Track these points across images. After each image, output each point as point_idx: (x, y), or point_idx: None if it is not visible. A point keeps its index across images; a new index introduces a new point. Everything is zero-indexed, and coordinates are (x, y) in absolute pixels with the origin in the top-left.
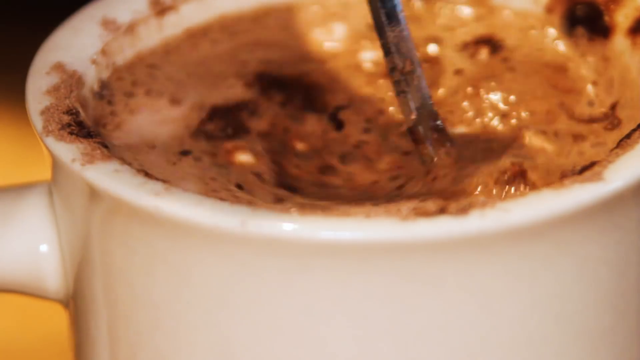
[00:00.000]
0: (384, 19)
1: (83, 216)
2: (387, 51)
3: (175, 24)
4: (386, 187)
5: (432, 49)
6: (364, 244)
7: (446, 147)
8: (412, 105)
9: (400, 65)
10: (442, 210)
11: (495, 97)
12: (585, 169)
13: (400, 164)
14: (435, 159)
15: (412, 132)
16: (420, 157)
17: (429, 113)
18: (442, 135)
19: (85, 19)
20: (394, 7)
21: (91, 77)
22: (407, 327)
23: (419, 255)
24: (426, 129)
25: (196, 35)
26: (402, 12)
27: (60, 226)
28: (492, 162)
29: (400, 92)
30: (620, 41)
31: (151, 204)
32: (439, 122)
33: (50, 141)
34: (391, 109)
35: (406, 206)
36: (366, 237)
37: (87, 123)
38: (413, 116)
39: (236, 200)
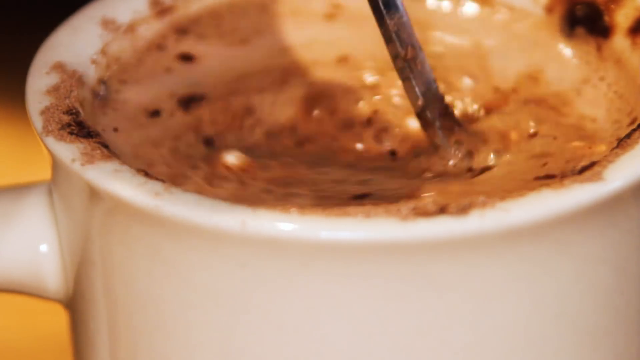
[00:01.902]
0: (382, 6)
1: (83, 216)
2: (388, 39)
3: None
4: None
5: None
6: (364, 244)
7: (455, 131)
8: (418, 90)
9: (403, 52)
10: (442, 210)
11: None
12: (585, 169)
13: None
14: (447, 145)
15: (420, 118)
16: (431, 142)
17: (434, 97)
18: (450, 119)
19: (85, 19)
20: None
21: (91, 77)
22: (406, 327)
23: (419, 255)
24: (434, 114)
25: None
26: None
27: (60, 226)
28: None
29: (405, 79)
30: (620, 41)
31: (151, 204)
32: (445, 105)
33: (50, 141)
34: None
35: (406, 206)
36: (366, 237)
37: (87, 123)
38: (420, 102)
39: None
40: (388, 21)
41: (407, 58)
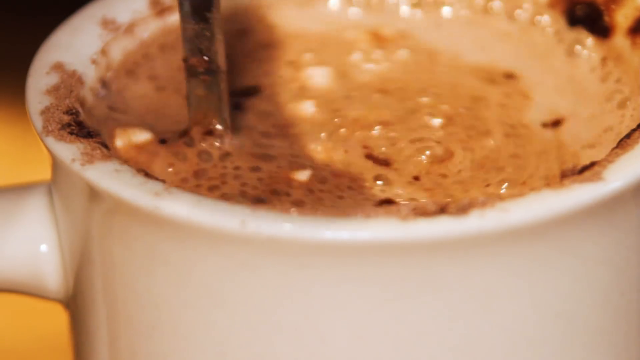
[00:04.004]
0: (187, 10)
1: (83, 216)
2: (183, 39)
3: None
4: None
5: None
6: (364, 244)
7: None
8: (191, 99)
9: (187, 57)
10: (441, 210)
11: None
12: (585, 169)
13: None
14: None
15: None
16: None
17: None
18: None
19: (85, 19)
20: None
21: (91, 77)
22: (406, 327)
23: (419, 255)
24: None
25: None
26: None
27: (60, 226)
28: None
29: (187, 80)
30: (620, 41)
31: (151, 204)
32: (219, 126)
33: (50, 141)
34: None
35: (406, 206)
36: (366, 237)
37: (87, 123)
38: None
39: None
40: (186, 23)
41: (190, 63)
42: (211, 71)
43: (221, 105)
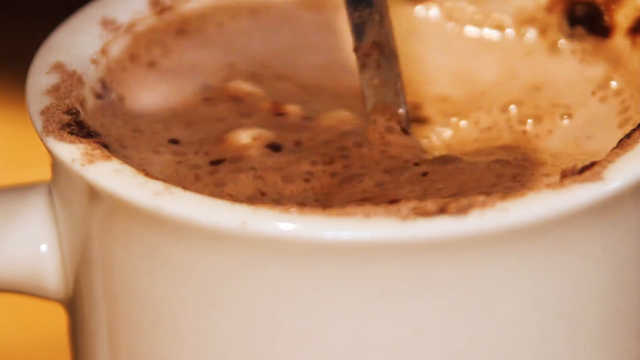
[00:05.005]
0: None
1: (83, 216)
2: (351, 28)
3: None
4: None
5: None
6: (364, 244)
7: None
8: (367, 90)
9: (358, 46)
10: (441, 210)
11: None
12: (585, 169)
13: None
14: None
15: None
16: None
17: (387, 101)
18: (398, 125)
19: (85, 19)
20: None
21: (91, 76)
22: (406, 327)
23: (419, 255)
24: (376, 115)
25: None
26: None
27: (60, 226)
28: None
29: (360, 72)
30: (620, 41)
31: (151, 204)
32: (401, 114)
33: (50, 141)
34: None
35: (406, 206)
36: (366, 237)
37: (87, 123)
38: (367, 103)
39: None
40: (352, 11)
41: (363, 53)
42: (385, 57)
43: (399, 92)
